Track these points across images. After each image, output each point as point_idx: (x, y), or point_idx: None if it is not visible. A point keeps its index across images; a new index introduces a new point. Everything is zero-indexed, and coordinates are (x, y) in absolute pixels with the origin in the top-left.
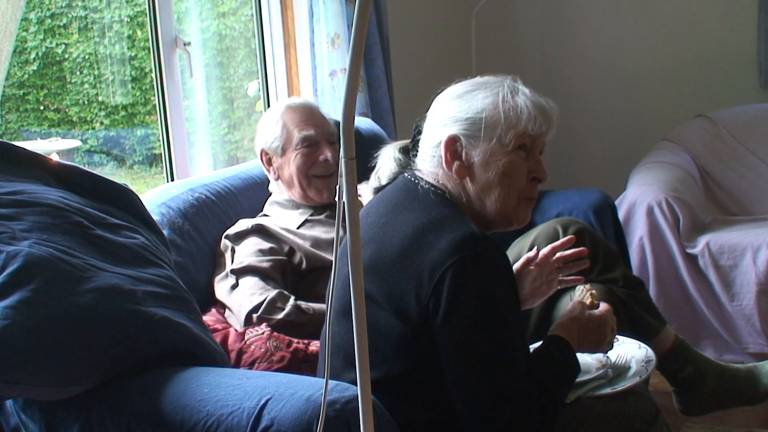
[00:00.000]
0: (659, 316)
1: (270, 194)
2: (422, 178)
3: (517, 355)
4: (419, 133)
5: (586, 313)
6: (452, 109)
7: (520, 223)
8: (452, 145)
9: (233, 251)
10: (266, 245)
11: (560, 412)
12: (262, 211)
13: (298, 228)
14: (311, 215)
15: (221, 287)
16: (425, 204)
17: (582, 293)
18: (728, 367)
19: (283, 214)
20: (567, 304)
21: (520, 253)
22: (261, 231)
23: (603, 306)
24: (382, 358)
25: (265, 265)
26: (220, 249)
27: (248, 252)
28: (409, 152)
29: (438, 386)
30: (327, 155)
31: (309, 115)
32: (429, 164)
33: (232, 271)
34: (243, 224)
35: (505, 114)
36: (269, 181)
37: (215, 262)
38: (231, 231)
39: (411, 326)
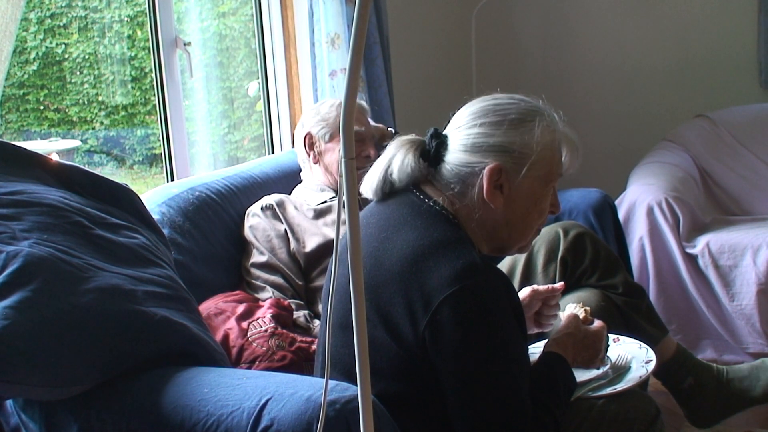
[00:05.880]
0: (660, 325)
1: (300, 181)
2: (430, 196)
3: (519, 382)
4: (441, 143)
5: (582, 329)
6: (496, 137)
7: (520, 251)
8: (497, 175)
9: (253, 228)
10: (280, 227)
11: (561, 428)
12: None
13: (316, 205)
14: (331, 198)
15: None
16: (428, 223)
17: (575, 309)
18: (730, 371)
19: (306, 194)
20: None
21: (518, 255)
22: (272, 209)
23: (597, 323)
24: (379, 377)
25: (282, 257)
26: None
27: (266, 241)
28: (426, 156)
29: (436, 405)
30: (370, 153)
31: (361, 113)
32: (452, 183)
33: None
34: (264, 200)
35: (553, 152)
36: (301, 169)
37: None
38: (253, 207)
39: (406, 349)
